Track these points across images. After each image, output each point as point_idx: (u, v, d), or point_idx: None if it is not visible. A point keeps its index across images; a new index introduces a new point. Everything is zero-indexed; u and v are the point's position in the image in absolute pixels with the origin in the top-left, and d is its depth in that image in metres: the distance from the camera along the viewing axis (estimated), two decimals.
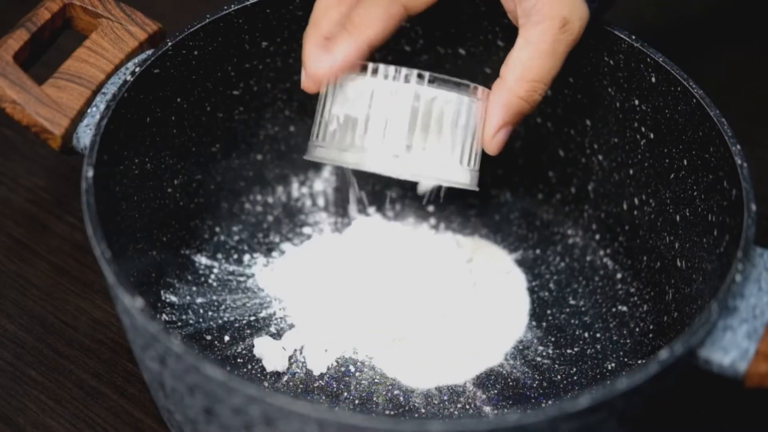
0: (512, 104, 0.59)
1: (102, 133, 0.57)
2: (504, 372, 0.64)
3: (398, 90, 0.58)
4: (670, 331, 0.63)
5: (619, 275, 0.69)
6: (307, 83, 0.59)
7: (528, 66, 0.58)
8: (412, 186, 0.74)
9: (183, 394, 0.52)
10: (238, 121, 0.70)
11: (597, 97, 0.66)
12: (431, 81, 0.58)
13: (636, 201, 0.67)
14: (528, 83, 0.58)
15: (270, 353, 0.64)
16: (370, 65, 0.58)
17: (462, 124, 0.59)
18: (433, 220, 0.72)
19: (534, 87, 0.58)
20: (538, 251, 0.71)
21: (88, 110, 0.62)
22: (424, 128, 0.58)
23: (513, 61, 0.59)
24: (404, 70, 0.58)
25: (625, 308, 0.67)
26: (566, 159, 0.70)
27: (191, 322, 0.65)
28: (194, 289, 0.67)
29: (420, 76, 0.58)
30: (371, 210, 0.72)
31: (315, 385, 0.63)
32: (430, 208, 0.72)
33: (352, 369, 0.64)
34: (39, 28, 0.63)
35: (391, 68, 0.58)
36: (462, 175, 0.59)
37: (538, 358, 0.65)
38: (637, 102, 0.64)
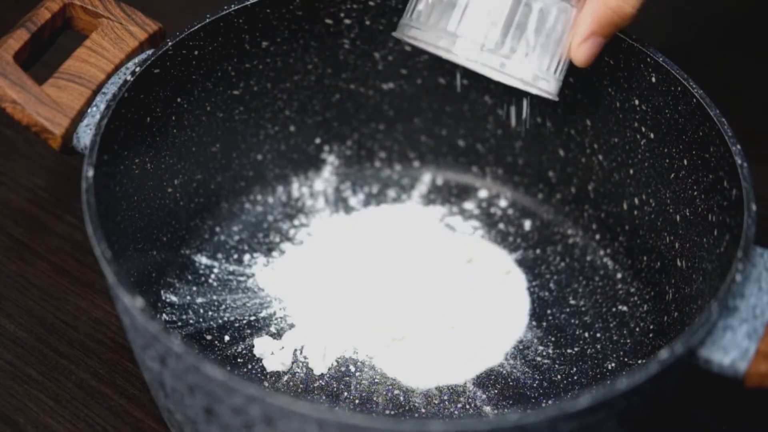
0: (601, 14, 0.58)
1: (102, 133, 0.57)
2: (504, 372, 0.64)
3: None
4: (670, 331, 0.63)
5: (619, 275, 0.69)
6: None
7: None
8: (412, 186, 0.74)
9: (183, 394, 0.52)
10: (238, 121, 0.70)
11: (597, 97, 0.66)
12: None
13: (636, 201, 0.67)
14: None
15: (270, 353, 0.64)
16: None
17: (557, 30, 0.58)
18: (433, 220, 0.72)
19: None
20: (538, 251, 0.71)
21: (88, 110, 0.61)
22: (520, 28, 0.58)
23: None
24: None
25: (625, 308, 0.67)
26: (566, 159, 0.70)
27: (191, 322, 0.65)
28: (194, 289, 0.67)
29: None
30: (372, 209, 0.72)
31: (315, 385, 0.63)
32: (431, 208, 0.72)
33: (352, 369, 0.64)
34: (39, 28, 0.63)
35: None
36: (546, 82, 0.59)
37: (538, 358, 0.65)
38: (637, 102, 0.64)
